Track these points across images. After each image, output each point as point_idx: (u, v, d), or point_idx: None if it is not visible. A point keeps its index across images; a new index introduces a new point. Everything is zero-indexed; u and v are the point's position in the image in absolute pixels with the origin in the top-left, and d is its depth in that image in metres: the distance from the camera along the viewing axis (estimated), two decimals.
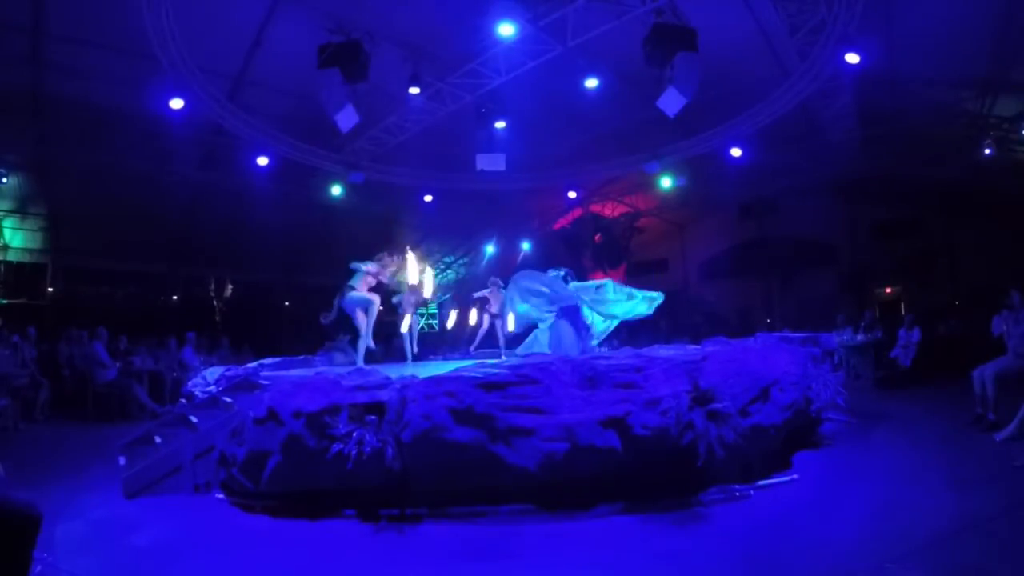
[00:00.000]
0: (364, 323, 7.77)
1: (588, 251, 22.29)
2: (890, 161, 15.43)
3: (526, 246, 21.40)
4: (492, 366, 5.32)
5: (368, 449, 4.38)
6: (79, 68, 11.55)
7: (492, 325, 9.72)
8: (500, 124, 13.15)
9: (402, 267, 7.98)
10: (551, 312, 9.00)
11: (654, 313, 9.11)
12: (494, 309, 9.63)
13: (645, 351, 6.92)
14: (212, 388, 6.74)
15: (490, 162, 13.40)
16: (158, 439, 5.86)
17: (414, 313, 8.85)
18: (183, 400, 7.31)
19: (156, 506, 4.93)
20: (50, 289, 15.49)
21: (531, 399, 4.70)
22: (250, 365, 7.99)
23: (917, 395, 9.24)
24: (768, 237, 19.79)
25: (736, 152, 14.18)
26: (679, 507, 4.36)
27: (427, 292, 8.42)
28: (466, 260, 23.71)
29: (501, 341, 9.55)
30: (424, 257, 9.30)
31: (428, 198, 16.79)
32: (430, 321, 23.73)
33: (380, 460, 4.37)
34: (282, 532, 4.36)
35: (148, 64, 10.53)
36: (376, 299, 7.86)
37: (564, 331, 8.84)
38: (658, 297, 8.92)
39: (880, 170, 15.89)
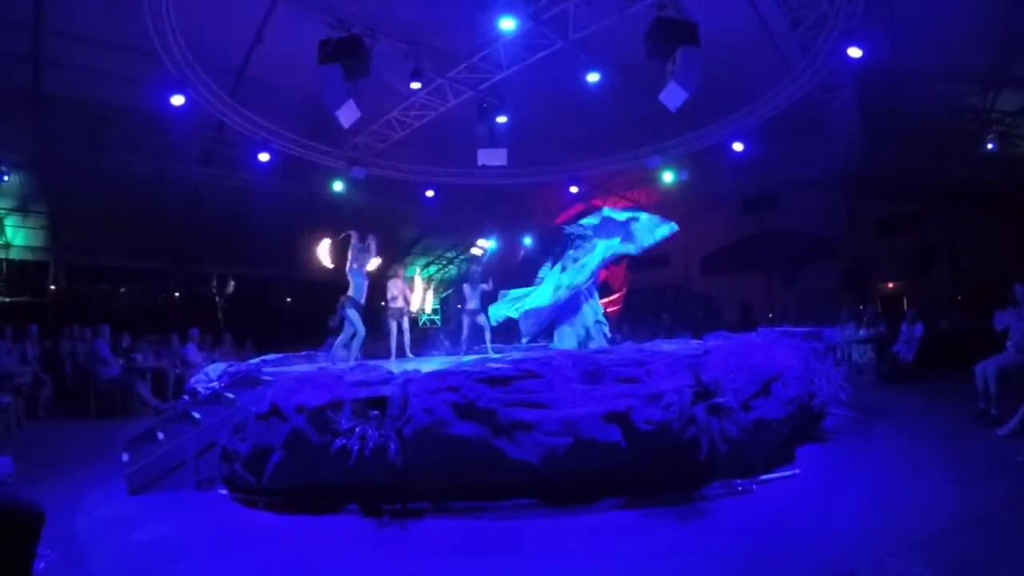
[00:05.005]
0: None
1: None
2: (892, 155, 15.38)
3: (528, 241, 21.40)
4: (494, 361, 5.32)
5: (371, 444, 4.38)
6: (80, 65, 11.54)
7: (473, 323, 9.58)
8: (501, 119, 13.11)
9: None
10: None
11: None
12: (470, 306, 9.41)
13: (647, 346, 6.93)
14: (215, 384, 6.75)
15: (491, 157, 13.36)
16: (161, 435, 5.89)
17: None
18: (186, 397, 7.32)
19: (159, 502, 4.95)
20: (52, 287, 15.52)
21: (534, 394, 4.70)
22: (252, 361, 8.01)
23: (920, 390, 9.22)
24: (770, 232, 19.78)
25: (738, 147, 14.14)
26: (681, 501, 4.36)
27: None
28: (468, 255, 23.72)
29: (487, 337, 9.52)
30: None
31: (430, 193, 16.78)
32: (432, 317, 23.80)
33: (383, 455, 4.37)
34: (285, 527, 4.37)
35: (149, 61, 10.51)
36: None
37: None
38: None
39: (882, 164, 15.84)
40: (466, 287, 9.45)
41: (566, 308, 8.64)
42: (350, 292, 7.68)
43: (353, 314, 7.58)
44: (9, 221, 14.76)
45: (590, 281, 8.57)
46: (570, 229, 8.77)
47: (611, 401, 4.60)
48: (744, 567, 3.46)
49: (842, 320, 12.38)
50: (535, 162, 16.19)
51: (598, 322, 8.68)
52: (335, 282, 8.30)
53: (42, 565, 3.44)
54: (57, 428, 8.82)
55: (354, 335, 7.71)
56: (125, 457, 5.69)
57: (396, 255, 22.30)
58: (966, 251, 16.58)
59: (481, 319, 9.31)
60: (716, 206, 20.83)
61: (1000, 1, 10.41)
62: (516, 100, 12.92)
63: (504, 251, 21.30)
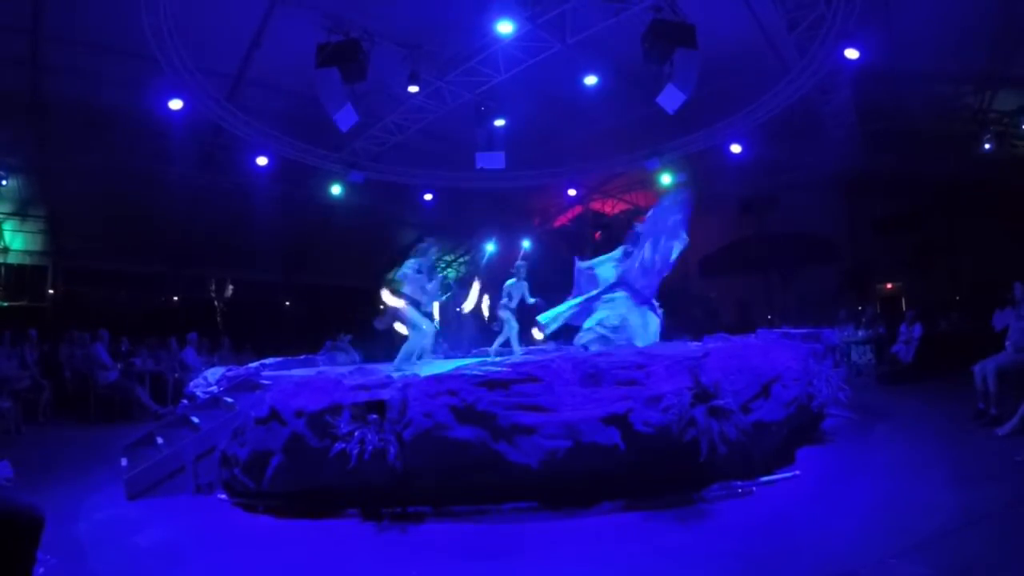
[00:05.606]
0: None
1: (588, 249, 22.28)
2: (890, 156, 15.42)
3: (526, 244, 21.39)
4: (493, 364, 5.32)
5: (370, 448, 4.38)
6: (78, 70, 11.56)
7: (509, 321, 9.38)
8: (500, 122, 13.14)
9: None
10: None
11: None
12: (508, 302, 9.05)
13: (646, 348, 6.92)
14: (214, 389, 6.75)
15: (490, 160, 13.38)
16: (160, 440, 5.88)
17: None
18: (185, 401, 7.32)
19: (159, 507, 4.94)
20: (51, 291, 15.51)
21: (533, 397, 4.70)
22: (251, 365, 8.01)
23: (919, 390, 9.22)
24: (768, 233, 19.76)
25: (736, 148, 14.17)
26: (681, 504, 4.35)
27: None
28: (466, 259, 23.72)
29: (498, 340, 9.41)
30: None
31: (428, 197, 16.80)
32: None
33: (382, 459, 4.36)
34: (285, 532, 4.36)
35: (147, 65, 10.54)
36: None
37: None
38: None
39: (880, 165, 15.88)
40: (511, 283, 9.02)
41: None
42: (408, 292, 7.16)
43: (412, 313, 7.09)
44: (7, 225, 14.76)
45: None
46: (639, 227, 8.70)
47: (610, 404, 4.60)
48: (744, 568, 3.45)
49: (841, 321, 12.39)
50: (533, 165, 16.21)
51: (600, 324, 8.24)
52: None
53: (41, 570, 3.42)
54: (56, 432, 8.79)
55: (423, 337, 7.24)
56: (124, 462, 5.67)
57: (396, 258, 22.34)
58: (964, 251, 16.57)
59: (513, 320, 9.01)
60: (714, 207, 20.74)
61: (996, 1, 10.45)
62: (514, 103, 12.96)
63: (503, 254, 21.32)
